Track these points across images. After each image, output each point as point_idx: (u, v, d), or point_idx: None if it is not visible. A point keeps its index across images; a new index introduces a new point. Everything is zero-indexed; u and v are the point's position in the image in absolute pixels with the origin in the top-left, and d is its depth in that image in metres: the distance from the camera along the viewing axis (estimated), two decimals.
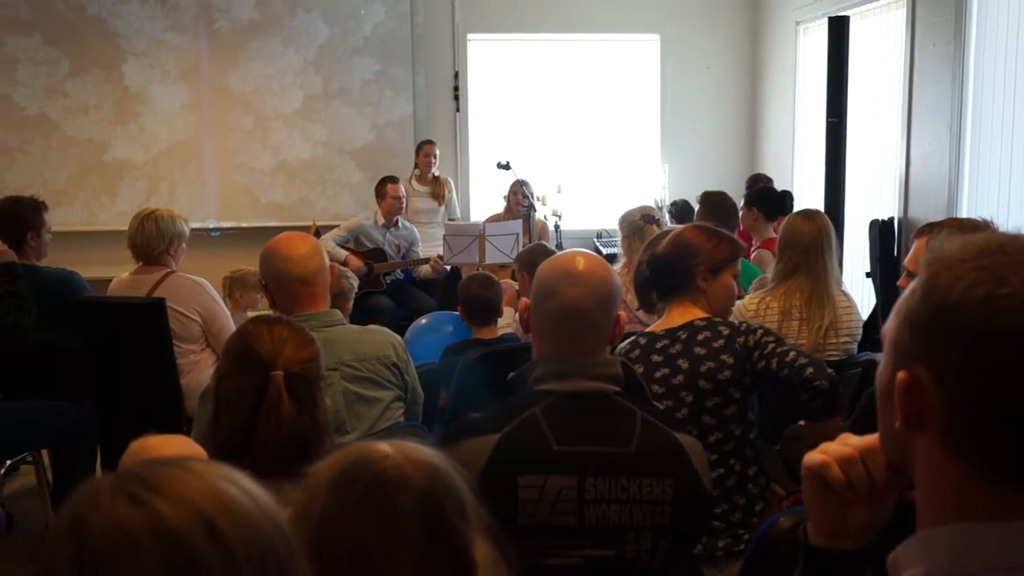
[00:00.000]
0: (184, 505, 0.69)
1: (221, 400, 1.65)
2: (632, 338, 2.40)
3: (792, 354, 2.23)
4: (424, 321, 4.12)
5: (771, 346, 2.27)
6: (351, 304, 3.41)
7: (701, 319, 2.35)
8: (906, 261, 2.64)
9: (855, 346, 3.16)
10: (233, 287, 4.29)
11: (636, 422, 1.69)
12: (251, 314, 3.99)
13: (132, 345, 3.42)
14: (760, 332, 2.31)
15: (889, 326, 0.89)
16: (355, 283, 3.47)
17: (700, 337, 2.30)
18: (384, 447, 1.10)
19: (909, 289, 0.88)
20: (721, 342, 2.28)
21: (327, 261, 2.52)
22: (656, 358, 2.30)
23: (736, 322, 2.39)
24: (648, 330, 2.41)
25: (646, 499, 1.65)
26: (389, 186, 5.83)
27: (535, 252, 3.60)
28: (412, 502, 1.06)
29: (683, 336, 2.31)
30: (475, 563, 1.08)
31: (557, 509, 1.63)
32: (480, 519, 1.11)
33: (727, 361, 2.25)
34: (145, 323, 3.39)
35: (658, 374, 2.28)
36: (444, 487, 1.08)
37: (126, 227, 3.72)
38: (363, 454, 1.09)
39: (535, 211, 6.08)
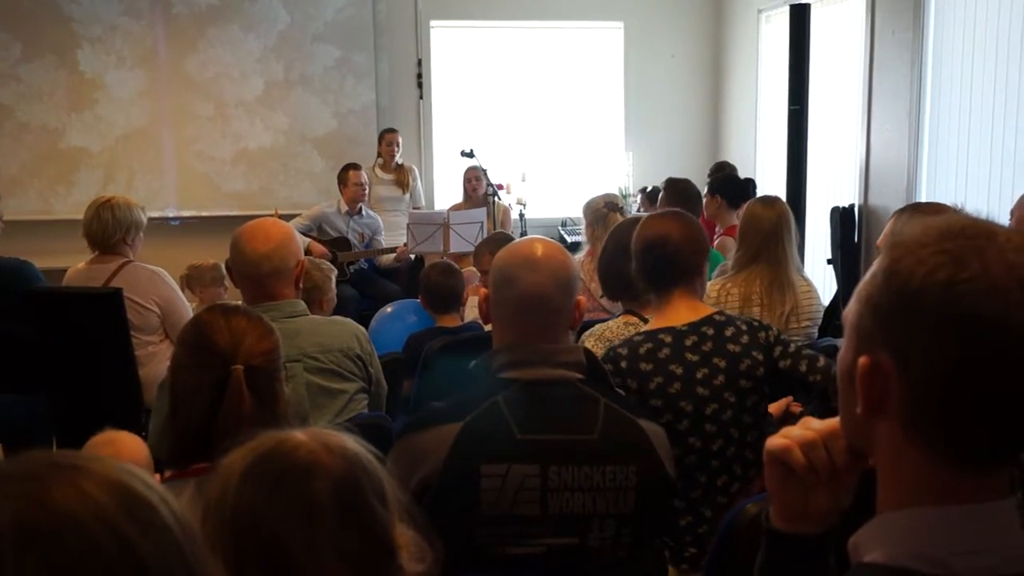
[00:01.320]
0: (100, 476, 0.66)
1: (178, 393, 1.60)
2: (647, 335, 2.18)
3: (822, 360, 2.19)
4: (389, 309, 4.10)
5: (792, 346, 2.23)
6: (333, 294, 3.36)
7: (716, 313, 2.23)
8: (878, 242, 2.63)
9: (816, 330, 3.19)
10: (192, 284, 4.21)
11: (599, 409, 1.69)
12: None
13: (89, 336, 3.35)
14: (775, 331, 2.25)
15: (850, 310, 0.89)
16: (332, 273, 3.41)
17: (728, 333, 2.18)
18: (298, 435, 1.08)
19: (870, 273, 0.88)
20: (747, 338, 2.19)
21: (300, 251, 2.47)
22: (691, 356, 2.14)
23: (746, 317, 2.31)
24: (663, 324, 2.21)
25: (609, 486, 1.65)
26: (351, 172, 5.78)
27: (500, 240, 3.58)
28: (328, 489, 1.04)
29: (710, 332, 2.18)
30: (396, 547, 1.07)
31: (520, 498, 1.62)
32: (401, 504, 1.10)
33: (758, 357, 2.17)
34: (102, 313, 3.31)
35: (699, 374, 2.13)
36: (363, 472, 1.06)
37: (82, 216, 3.65)
38: (276, 443, 1.07)
39: (498, 197, 6.05)
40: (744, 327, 2.21)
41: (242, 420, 1.51)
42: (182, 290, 3.96)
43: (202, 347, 1.58)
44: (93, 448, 1.62)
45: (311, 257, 3.45)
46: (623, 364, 2.12)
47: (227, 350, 1.56)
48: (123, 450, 1.90)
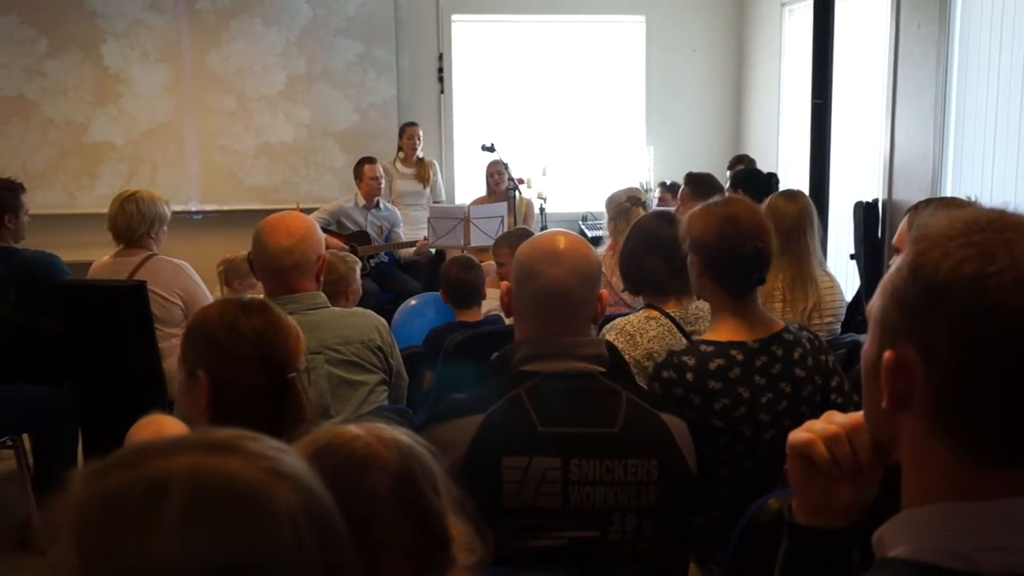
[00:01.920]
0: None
1: (230, 401, 1.56)
2: (717, 348, 2.01)
3: None
4: (413, 303, 4.11)
5: (847, 383, 2.09)
6: (357, 285, 3.34)
7: (784, 331, 2.06)
8: (894, 240, 2.62)
9: (838, 326, 3.16)
10: (230, 277, 4.23)
11: (621, 403, 1.69)
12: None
13: (113, 328, 3.38)
14: (832, 355, 2.13)
15: (875, 304, 0.88)
16: (356, 265, 3.40)
17: (796, 355, 2.04)
18: (353, 428, 1.09)
19: (895, 267, 0.87)
20: (811, 360, 2.06)
21: (322, 245, 2.48)
22: (759, 379, 1.99)
23: (805, 332, 2.14)
24: (733, 337, 2.03)
25: (631, 480, 1.65)
26: (366, 167, 5.79)
27: (519, 235, 3.58)
28: (385, 481, 1.05)
29: (779, 353, 2.02)
30: (450, 539, 1.08)
31: (541, 490, 1.63)
32: (453, 497, 1.10)
33: (819, 383, 2.06)
34: (126, 306, 3.35)
35: (764, 399, 1.99)
36: (417, 464, 1.07)
37: (107, 210, 3.68)
38: (332, 436, 1.08)
39: (519, 191, 6.05)
40: (808, 346, 2.08)
41: (302, 421, 1.51)
42: (221, 286, 3.98)
43: (246, 356, 1.56)
44: (139, 430, 1.62)
45: (334, 250, 3.46)
46: (689, 376, 1.97)
47: (278, 358, 1.56)
48: (166, 433, 1.91)
